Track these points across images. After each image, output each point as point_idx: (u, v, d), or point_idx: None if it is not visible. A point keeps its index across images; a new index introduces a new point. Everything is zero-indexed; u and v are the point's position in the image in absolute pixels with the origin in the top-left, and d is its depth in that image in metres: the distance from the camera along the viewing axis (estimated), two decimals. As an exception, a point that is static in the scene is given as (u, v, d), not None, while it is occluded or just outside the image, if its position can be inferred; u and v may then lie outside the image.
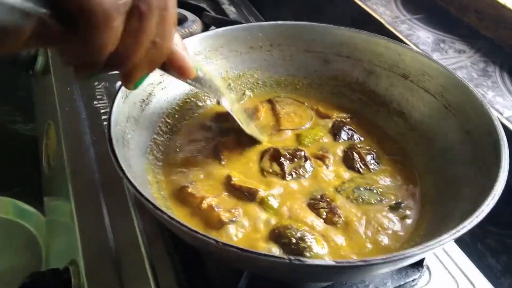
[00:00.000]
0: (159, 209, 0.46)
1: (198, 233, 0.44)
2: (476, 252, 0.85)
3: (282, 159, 0.67)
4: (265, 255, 0.42)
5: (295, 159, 0.67)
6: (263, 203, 0.61)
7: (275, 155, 0.68)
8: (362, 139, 0.74)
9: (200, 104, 0.77)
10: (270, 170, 0.66)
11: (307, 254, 0.54)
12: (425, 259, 0.64)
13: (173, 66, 0.48)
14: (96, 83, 0.94)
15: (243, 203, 0.61)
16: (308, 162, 0.67)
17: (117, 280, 0.61)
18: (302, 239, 0.55)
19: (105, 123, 0.84)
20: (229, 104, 0.66)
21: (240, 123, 0.67)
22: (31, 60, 1.08)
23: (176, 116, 0.73)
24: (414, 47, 0.93)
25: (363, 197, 0.63)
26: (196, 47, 0.74)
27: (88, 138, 0.81)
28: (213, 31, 0.76)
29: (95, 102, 0.89)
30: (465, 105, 0.65)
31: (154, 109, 0.69)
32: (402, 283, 0.63)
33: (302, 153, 0.68)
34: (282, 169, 0.66)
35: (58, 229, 0.83)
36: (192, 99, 0.76)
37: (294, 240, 0.55)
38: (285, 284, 0.60)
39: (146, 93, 0.67)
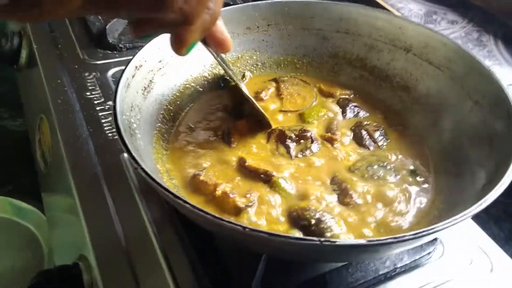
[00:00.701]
0: (180, 198, 0.45)
1: (224, 220, 0.42)
2: (480, 221, 0.86)
3: (288, 140, 0.66)
4: (295, 238, 0.41)
5: (302, 140, 0.66)
6: (275, 186, 0.60)
7: (280, 137, 0.67)
8: (368, 115, 0.73)
9: (200, 89, 0.75)
10: (277, 153, 0.65)
11: (328, 234, 0.53)
12: (438, 231, 0.64)
13: (215, 38, 0.50)
14: (87, 74, 0.91)
15: (258, 187, 0.60)
16: (315, 143, 0.66)
17: (130, 271, 0.60)
18: (321, 220, 0.55)
19: (100, 114, 0.82)
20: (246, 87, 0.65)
21: (258, 106, 0.67)
22: (14, 54, 1.04)
23: (178, 102, 0.71)
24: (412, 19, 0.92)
25: (378, 174, 0.62)
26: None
27: (85, 131, 0.79)
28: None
29: (88, 93, 0.86)
30: (472, 75, 0.64)
31: (156, 97, 0.67)
32: (417, 257, 0.63)
33: (309, 134, 0.67)
34: (288, 151, 0.65)
35: (61, 226, 0.80)
36: (192, 84, 0.74)
37: (313, 221, 0.54)
38: (301, 264, 0.60)
39: (147, 81, 0.65)
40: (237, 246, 0.59)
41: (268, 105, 0.73)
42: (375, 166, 0.63)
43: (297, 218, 0.56)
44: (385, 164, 0.64)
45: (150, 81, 0.66)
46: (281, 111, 0.73)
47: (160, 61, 0.68)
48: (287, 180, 0.61)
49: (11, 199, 0.92)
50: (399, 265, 0.61)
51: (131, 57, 0.85)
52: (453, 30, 0.96)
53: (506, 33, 0.93)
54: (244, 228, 0.42)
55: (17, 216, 0.91)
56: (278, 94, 0.75)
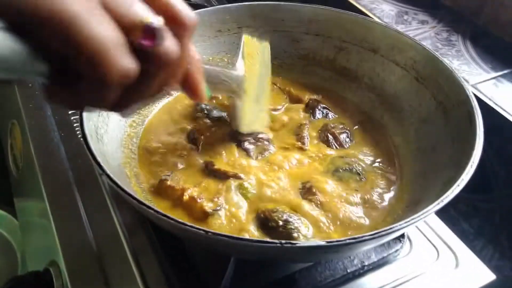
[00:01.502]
0: (144, 204, 0.45)
1: (187, 225, 0.43)
2: (449, 218, 0.88)
3: (246, 143, 0.67)
4: (257, 241, 0.42)
5: (259, 143, 0.67)
6: (243, 189, 0.61)
7: (236, 139, 0.68)
8: (336, 116, 0.74)
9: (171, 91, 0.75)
10: (237, 155, 0.66)
11: (295, 235, 0.54)
12: (405, 230, 0.65)
13: (185, 90, 0.46)
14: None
15: (225, 190, 0.60)
16: (271, 145, 0.67)
17: (101, 276, 0.60)
18: (288, 221, 0.55)
19: (72, 118, 0.82)
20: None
21: (239, 122, 0.67)
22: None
23: (148, 106, 0.71)
24: (380, 21, 0.93)
25: (345, 176, 0.63)
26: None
27: (56, 135, 0.78)
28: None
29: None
30: (436, 76, 0.66)
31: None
32: (385, 254, 0.64)
33: (264, 136, 0.68)
34: (248, 154, 0.66)
35: (33, 231, 0.80)
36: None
37: (281, 223, 0.55)
38: (270, 264, 0.60)
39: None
40: (205, 249, 0.59)
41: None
42: (341, 170, 0.64)
43: (264, 220, 0.56)
44: (352, 167, 0.65)
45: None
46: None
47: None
48: (254, 183, 0.62)
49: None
50: (367, 263, 0.62)
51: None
52: (423, 30, 0.97)
53: (474, 33, 0.95)
54: (207, 232, 0.43)
55: (-11, 222, 0.91)
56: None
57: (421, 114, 0.67)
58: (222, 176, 0.62)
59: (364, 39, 0.74)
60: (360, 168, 0.65)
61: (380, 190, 0.63)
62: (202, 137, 0.67)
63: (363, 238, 0.43)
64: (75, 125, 0.81)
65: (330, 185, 0.62)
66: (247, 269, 0.57)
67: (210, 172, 0.62)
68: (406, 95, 0.70)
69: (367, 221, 0.59)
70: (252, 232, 0.56)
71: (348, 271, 0.60)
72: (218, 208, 0.57)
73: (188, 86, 0.45)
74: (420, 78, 0.68)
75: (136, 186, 0.60)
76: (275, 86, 0.78)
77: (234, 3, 0.78)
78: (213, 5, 0.79)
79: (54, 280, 0.61)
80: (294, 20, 0.78)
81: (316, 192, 0.60)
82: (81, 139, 0.75)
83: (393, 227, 0.44)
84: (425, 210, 0.46)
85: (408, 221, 0.45)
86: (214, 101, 0.75)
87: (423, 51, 0.68)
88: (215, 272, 0.57)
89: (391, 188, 0.63)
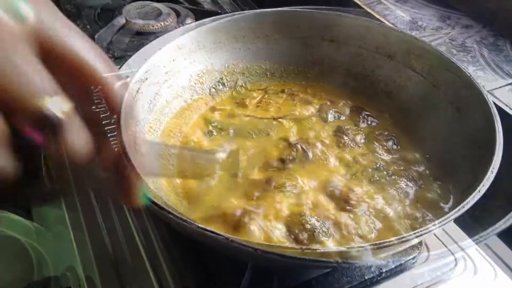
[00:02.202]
0: (165, 209, 0.45)
1: (208, 230, 0.43)
2: (465, 224, 0.87)
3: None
4: (277, 247, 0.42)
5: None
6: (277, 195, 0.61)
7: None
8: (378, 122, 0.74)
9: (187, 98, 0.76)
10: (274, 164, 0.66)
11: (322, 239, 0.55)
12: (423, 236, 0.65)
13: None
14: (92, 87, 0.91)
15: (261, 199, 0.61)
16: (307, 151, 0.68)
17: (117, 281, 0.60)
18: (315, 226, 0.56)
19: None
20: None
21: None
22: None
23: (165, 112, 0.72)
24: (396, 27, 0.93)
25: (376, 178, 0.64)
26: (179, 41, 0.73)
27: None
28: (195, 24, 0.74)
29: (93, 107, 0.86)
30: (453, 82, 0.65)
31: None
32: (402, 261, 0.63)
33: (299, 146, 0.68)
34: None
35: (50, 237, 0.80)
36: (180, 93, 0.75)
37: (309, 227, 0.56)
38: (288, 272, 0.60)
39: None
40: (224, 255, 0.59)
41: (245, 113, 0.75)
42: (369, 170, 0.65)
43: (292, 224, 0.56)
44: (378, 165, 0.65)
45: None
46: (247, 115, 0.75)
47: (146, 72, 0.68)
48: (289, 188, 0.62)
49: (0, 210, 0.92)
50: (384, 270, 0.62)
51: (119, 66, 0.87)
52: (438, 36, 0.97)
53: (489, 38, 0.95)
54: (228, 238, 0.43)
55: (6, 227, 0.91)
56: (259, 103, 0.76)
57: (439, 120, 0.66)
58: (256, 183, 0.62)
59: (380, 45, 0.74)
60: (384, 166, 0.65)
61: (398, 197, 0.63)
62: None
63: (385, 244, 0.43)
64: (118, 136, 0.81)
65: (365, 189, 0.62)
66: (264, 276, 0.57)
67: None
68: (423, 101, 0.70)
69: (389, 223, 0.59)
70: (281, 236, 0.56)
71: (366, 278, 0.60)
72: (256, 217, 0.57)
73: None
74: (437, 84, 0.68)
75: (176, 199, 0.60)
76: (291, 98, 0.78)
77: (247, 9, 0.78)
78: (226, 12, 0.80)
79: (71, 285, 0.61)
80: (309, 26, 0.78)
81: (347, 197, 0.60)
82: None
83: (416, 233, 0.44)
84: (447, 216, 0.46)
85: (428, 228, 0.45)
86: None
87: (440, 56, 0.68)
88: (232, 278, 0.57)
89: (410, 194, 0.63)
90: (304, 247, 0.42)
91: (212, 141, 0.70)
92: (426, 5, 1.07)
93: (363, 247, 0.43)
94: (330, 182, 0.63)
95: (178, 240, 0.63)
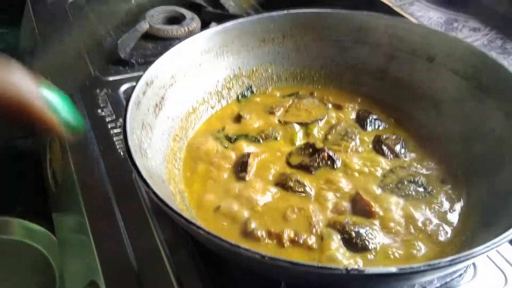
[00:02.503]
0: (194, 224, 0.41)
1: (241, 248, 0.39)
2: None
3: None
4: (319, 267, 0.38)
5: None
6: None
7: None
8: (387, 126, 0.71)
9: (214, 104, 0.72)
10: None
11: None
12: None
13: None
14: (98, 91, 0.89)
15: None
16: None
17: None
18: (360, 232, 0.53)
19: (112, 132, 0.79)
20: None
21: None
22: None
23: (191, 119, 0.69)
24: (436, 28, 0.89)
25: (409, 190, 0.59)
26: (206, 44, 0.70)
27: (95, 150, 0.76)
28: (222, 26, 0.71)
29: (99, 111, 0.84)
30: (501, 85, 0.61)
31: (168, 114, 0.64)
32: (448, 279, 0.59)
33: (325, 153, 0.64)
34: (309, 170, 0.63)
35: (72, 248, 0.78)
36: (207, 99, 0.71)
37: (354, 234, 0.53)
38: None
39: (159, 97, 0.63)
40: (254, 273, 0.55)
41: (275, 118, 0.72)
42: (405, 182, 0.60)
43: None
44: (415, 179, 0.60)
45: (162, 97, 0.63)
46: (278, 121, 0.71)
47: (172, 77, 0.65)
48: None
49: (22, 220, 0.90)
50: (428, 288, 0.57)
51: (143, 73, 0.84)
52: (475, 38, 0.92)
53: (497, 42, 0.90)
54: (264, 257, 0.39)
55: (28, 238, 0.89)
56: (288, 108, 0.73)
57: (486, 125, 0.62)
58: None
59: (418, 47, 0.70)
60: (424, 183, 0.60)
61: (444, 209, 0.58)
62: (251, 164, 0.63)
63: (439, 265, 0.39)
64: (115, 139, 0.78)
65: (394, 203, 0.58)
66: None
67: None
68: (466, 106, 0.65)
69: (436, 242, 0.55)
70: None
71: (410, 296, 0.56)
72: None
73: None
74: (483, 87, 0.63)
75: (182, 204, 0.57)
76: (321, 103, 0.74)
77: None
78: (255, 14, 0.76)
79: (94, 301, 0.58)
80: (342, 28, 0.74)
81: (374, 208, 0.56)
82: (122, 153, 0.74)
83: (473, 252, 0.40)
84: (506, 233, 0.41)
85: (489, 246, 0.40)
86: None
87: (485, 58, 0.64)
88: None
89: (457, 207, 0.58)
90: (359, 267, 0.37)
91: (236, 148, 0.67)
92: (433, 8, 1.02)
93: (414, 267, 0.39)
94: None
95: (205, 254, 0.59)
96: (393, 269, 0.38)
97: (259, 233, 0.54)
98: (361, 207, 0.57)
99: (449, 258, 0.39)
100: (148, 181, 0.45)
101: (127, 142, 0.50)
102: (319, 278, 0.41)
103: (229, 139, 0.68)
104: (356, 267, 0.38)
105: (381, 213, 0.57)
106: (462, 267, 0.59)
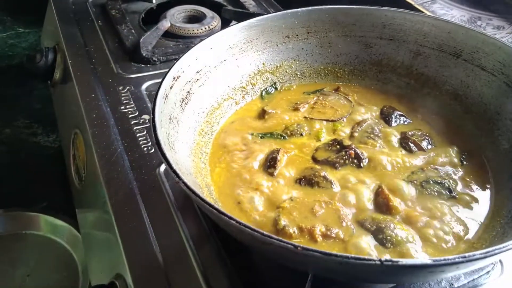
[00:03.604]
0: (226, 215, 0.41)
1: (274, 238, 0.39)
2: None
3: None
4: (354, 258, 0.37)
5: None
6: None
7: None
8: (411, 122, 0.70)
9: (238, 100, 0.72)
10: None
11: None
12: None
13: None
14: (121, 88, 0.89)
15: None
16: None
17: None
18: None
19: (135, 128, 0.80)
20: None
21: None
22: (48, 69, 1.04)
23: (216, 114, 0.69)
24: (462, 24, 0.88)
25: (431, 192, 0.59)
26: (231, 40, 0.70)
27: (119, 145, 0.77)
28: (247, 22, 0.71)
29: (122, 108, 0.85)
30: (531, 81, 0.60)
31: (194, 108, 0.65)
32: (475, 276, 0.58)
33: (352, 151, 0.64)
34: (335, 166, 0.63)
35: (96, 243, 0.78)
36: (231, 95, 0.72)
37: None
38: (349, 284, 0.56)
39: (185, 92, 0.63)
40: (280, 265, 0.55)
41: (300, 115, 0.71)
42: (431, 181, 0.59)
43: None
44: (443, 181, 0.60)
45: (188, 92, 0.64)
46: (305, 117, 0.71)
47: (197, 72, 0.65)
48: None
49: (46, 216, 0.91)
50: (456, 285, 0.57)
51: (165, 70, 0.85)
52: (500, 36, 0.91)
53: None
54: (297, 247, 0.39)
55: (51, 233, 0.90)
56: (314, 105, 0.73)
57: (513, 121, 0.61)
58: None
59: (445, 43, 0.69)
60: (450, 183, 0.59)
61: (472, 206, 0.57)
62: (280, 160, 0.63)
63: (474, 257, 0.38)
64: (138, 135, 0.79)
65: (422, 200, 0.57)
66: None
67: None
68: (494, 102, 0.64)
69: (463, 237, 0.54)
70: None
71: (438, 293, 0.55)
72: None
73: None
74: (511, 83, 0.62)
75: (209, 197, 0.57)
76: (346, 100, 0.74)
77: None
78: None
79: (121, 293, 0.59)
80: (366, 24, 0.74)
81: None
82: (145, 149, 0.75)
83: (508, 245, 0.39)
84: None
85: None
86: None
87: (514, 54, 0.63)
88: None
89: (485, 203, 0.58)
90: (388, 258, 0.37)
91: (262, 144, 0.67)
92: (456, 6, 1.01)
93: (448, 259, 0.38)
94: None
95: (231, 248, 0.60)
96: (427, 261, 0.38)
97: (290, 230, 0.53)
98: (382, 202, 0.57)
99: (484, 251, 0.38)
100: (179, 173, 0.46)
101: (156, 135, 0.50)
102: (352, 270, 0.41)
103: (255, 135, 0.68)
104: (390, 258, 0.37)
105: (400, 208, 0.56)
106: (490, 264, 0.59)
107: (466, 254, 0.38)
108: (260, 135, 0.68)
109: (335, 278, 0.49)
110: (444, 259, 0.38)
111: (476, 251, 0.39)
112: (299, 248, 0.39)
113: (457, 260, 0.38)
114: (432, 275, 0.44)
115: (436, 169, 0.61)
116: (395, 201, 0.56)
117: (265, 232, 0.40)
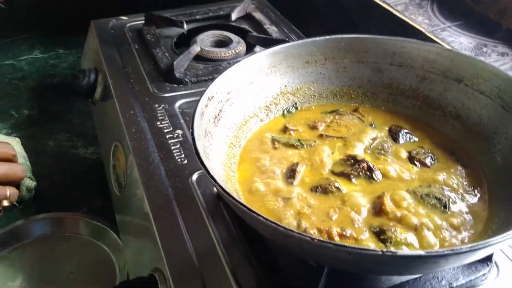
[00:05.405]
0: (254, 212, 0.50)
1: (294, 231, 0.48)
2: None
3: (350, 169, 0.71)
4: (359, 248, 0.46)
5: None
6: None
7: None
8: (417, 140, 0.78)
9: (263, 118, 0.81)
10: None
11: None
12: (493, 253, 0.67)
13: None
14: (156, 105, 0.99)
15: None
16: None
17: (201, 285, 0.65)
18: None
19: (170, 141, 0.90)
20: None
21: None
22: (90, 88, 1.15)
23: (243, 130, 0.78)
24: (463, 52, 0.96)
25: (429, 204, 0.66)
26: (257, 64, 0.79)
27: (156, 156, 0.86)
28: (272, 49, 0.80)
29: (158, 123, 0.95)
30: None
31: (225, 124, 0.74)
32: (473, 277, 0.65)
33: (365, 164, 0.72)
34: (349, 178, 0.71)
35: (134, 244, 0.87)
36: (257, 113, 0.81)
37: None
38: (360, 281, 0.63)
39: (217, 110, 0.72)
40: (300, 261, 0.63)
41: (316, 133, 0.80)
42: (431, 195, 0.67)
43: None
44: (441, 198, 0.67)
45: (220, 110, 0.73)
46: (320, 134, 0.79)
47: (228, 93, 0.75)
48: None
49: (86, 219, 1.01)
50: (455, 285, 0.64)
51: (195, 90, 0.95)
52: (503, 62, 0.99)
53: None
54: (313, 239, 0.47)
55: (92, 236, 0.99)
56: (330, 123, 0.81)
57: (509, 141, 0.69)
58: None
59: (448, 69, 0.77)
60: (448, 202, 0.67)
61: (470, 215, 0.65)
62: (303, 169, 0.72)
63: (461, 251, 0.46)
64: (172, 147, 0.88)
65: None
66: (339, 283, 0.60)
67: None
68: (492, 123, 0.72)
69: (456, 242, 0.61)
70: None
71: (436, 292, 0.62)
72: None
73: None
74: (506, 106, 0.70)
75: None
76: (360, 121, 0.82)
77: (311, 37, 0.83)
78: (293, 41, 0.86)
79: (159, 284, 0.67)
80: (378, 52, 0.82)
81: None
82: (179, 160, 0.84)
83: (490, 241, 0.47)
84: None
85: (506, 236, 0.47)
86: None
87: (508, 79, 0.70)
88: (307, 283, 0.60)
89: (479, 215, 0.65)
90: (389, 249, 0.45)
91: (282, 153, 0.76)
92: (463, 33, 1.09)
93: (442, 251, 0.46)
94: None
95: (257, 250, 0.68)
96: (421, 252, 0.46)
97: (311, 232, 0.61)
98: (378, 206, 0.65)
99: (470, 245, 0.46)
100: (217, 179, 0.55)
101: (196, 146, 0.59)
102: (358, 260, 0.49)
103: (276, 144, 0.77)
104: (390, 249, 0.45)
105: (397, 214, 0.63)
106: (487, 268, 0.66)
107: (454, 248, 0.46)
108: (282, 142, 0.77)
109: (346, 270, 0.57)
110: (436, 251, 0.46)
111: (463, 246, 0.47)
112: (315, 240, 0.47)
113: (446, 252, 0.46)
114: (426, 266, 0.51)
115: (442, 188, 0.68)
116: (389, 206, 0.64)
117: (287, 227, 0.49)
